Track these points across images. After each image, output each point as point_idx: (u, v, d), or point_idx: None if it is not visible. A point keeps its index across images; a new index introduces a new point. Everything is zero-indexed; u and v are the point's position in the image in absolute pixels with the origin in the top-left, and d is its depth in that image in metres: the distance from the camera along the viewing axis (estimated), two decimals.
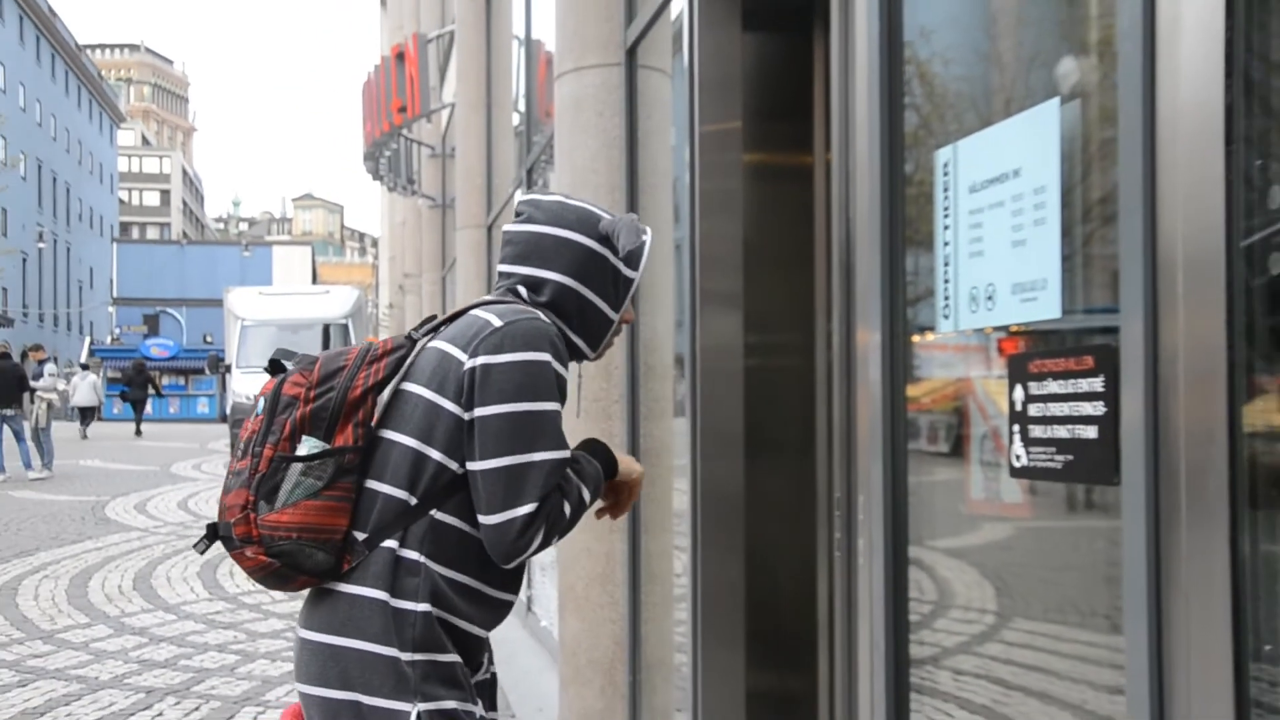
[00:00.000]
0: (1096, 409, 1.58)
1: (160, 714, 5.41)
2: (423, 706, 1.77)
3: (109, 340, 51.92)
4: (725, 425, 3.45)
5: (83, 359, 39.64)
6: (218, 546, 1.88)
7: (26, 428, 16.69)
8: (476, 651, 1.94)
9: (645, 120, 4.25)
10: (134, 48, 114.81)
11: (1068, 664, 1.94)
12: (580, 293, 1.94)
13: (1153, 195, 1.45)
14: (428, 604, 1.80)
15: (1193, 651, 1.40)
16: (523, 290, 1.96)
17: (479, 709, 1.89)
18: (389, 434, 1.85)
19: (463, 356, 1.82)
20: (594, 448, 2.02)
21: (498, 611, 1.94)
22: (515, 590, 1.96)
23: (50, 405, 17.70)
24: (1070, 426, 1.64)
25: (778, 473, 3.46)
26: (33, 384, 17.21)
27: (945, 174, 2.07)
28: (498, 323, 1.83)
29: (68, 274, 59.09)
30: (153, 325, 51.67)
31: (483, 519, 1.80)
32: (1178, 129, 1.42)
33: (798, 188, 3.47)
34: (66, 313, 56.89)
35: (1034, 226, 1.78)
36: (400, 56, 13.12)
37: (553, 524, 1.81)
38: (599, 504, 2.10)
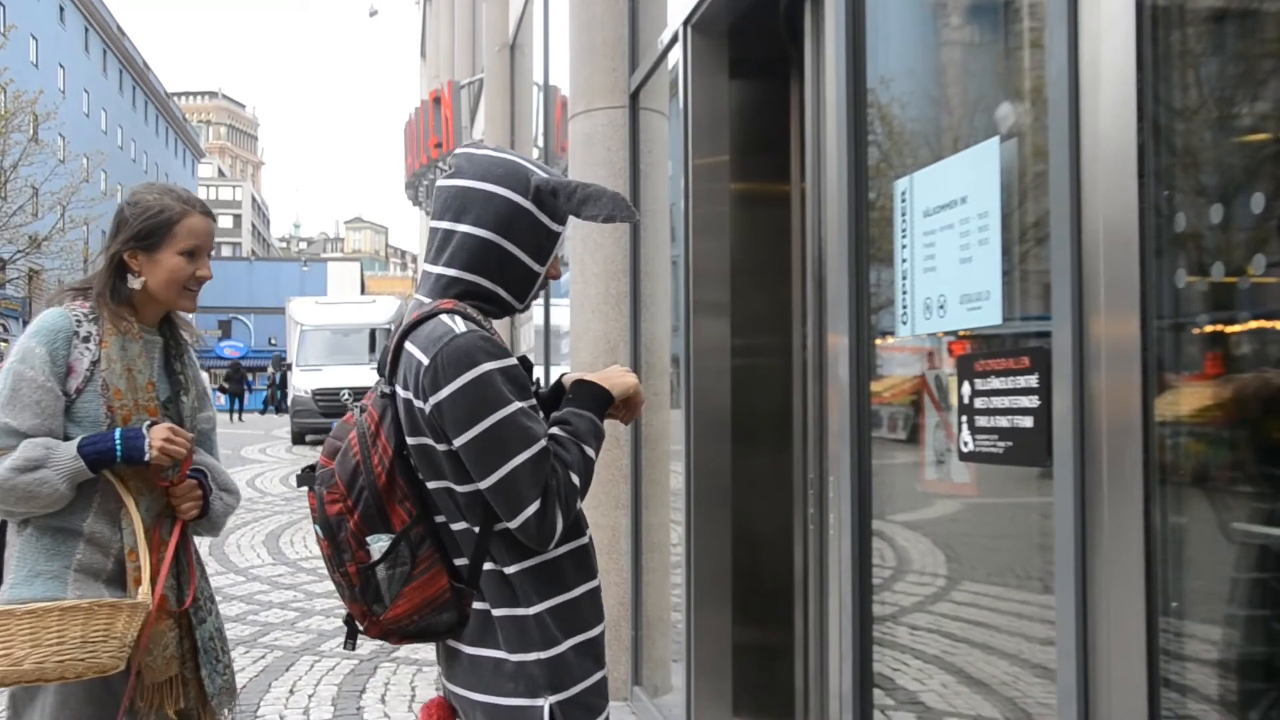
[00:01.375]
0: (1032, 402, 1.59)
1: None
2: (554, 699, 1.66)
3: None
4: (715, 416, 3.45)
5: None
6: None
7: None
8: (597, 604, 1.78)
9: (646, 154, 4.26)
10: (212, 94, 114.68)
11: (1006, 620, 1.95)
12: (501, 246, 1.71)
13: (1078, 220, 1.46)
14: (539, 604, 1.67)
15: (1112, 608, 1.41)
16: (442, 269, 1.74)
17: (604, 669, 1.75)
18: (428, 483, 1.71)
19: (419, 401, 1.64)
20: (582, 396, 1.79)
21: (590, 554, 1.79)
22: (584, 526, 1.80)
23: None
24: (1010, 417, 1.65)
25: (760, 457, 3.46)
26: None
27: (903, 201, 2.07)
28: (425, 359, 1.63)
29: None
30: (226, 329, 51.68)
31: (508, 525, 1.65)
32: (1098, 164, 1.43)
33: (777, 212, 3.47)
34: None
35: (978, 246, 1.78)
36: (437, 100, 13.15)
37: (566, 498, 1.65)
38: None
